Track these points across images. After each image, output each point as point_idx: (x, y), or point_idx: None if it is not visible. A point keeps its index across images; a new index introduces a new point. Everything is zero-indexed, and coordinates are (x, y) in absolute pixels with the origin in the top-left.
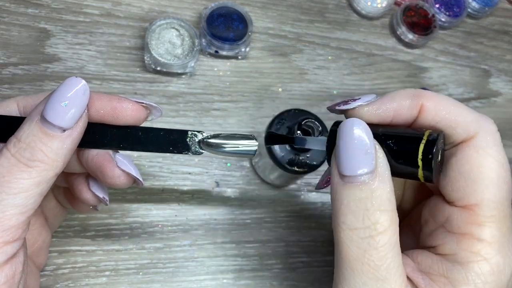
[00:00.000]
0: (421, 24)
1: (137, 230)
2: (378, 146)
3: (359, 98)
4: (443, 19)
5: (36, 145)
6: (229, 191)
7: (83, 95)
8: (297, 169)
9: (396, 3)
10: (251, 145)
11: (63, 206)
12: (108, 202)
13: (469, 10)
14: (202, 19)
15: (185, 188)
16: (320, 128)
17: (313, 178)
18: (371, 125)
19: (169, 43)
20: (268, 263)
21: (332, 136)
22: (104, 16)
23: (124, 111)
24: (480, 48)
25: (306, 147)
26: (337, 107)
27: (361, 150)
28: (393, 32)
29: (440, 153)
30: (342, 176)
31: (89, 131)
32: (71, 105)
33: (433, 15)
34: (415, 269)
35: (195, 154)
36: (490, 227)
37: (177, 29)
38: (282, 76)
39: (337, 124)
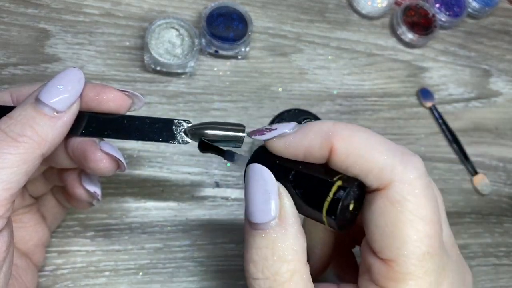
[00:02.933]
0: (421, 24)
1: (137, 230)
2: (284, 192)
3: (275, 129)
4: (443, 19)
5: (27, 122)
6: (229, 191)
7: (78, 82)
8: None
9: (396, 3)
10: (237, 136)
11: (62, 205)
12: (100, 197)
13: (469, 10)
14: (202, 19)
15: (185, 188)
16: None
17: None
18: (286, 160)
19: (169, 43)
20: None
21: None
22: (103, 16)
23: (108, 99)
24: (480, 48)
25: (235, 163)
26: (252, 136)
27: (262, 199)
28: (393, 32)
29: (352, 203)
30: (250, 222)
31: (76, 120)
32: (66, 89)
33: (433, 15)
34: None
35: (181, 143)
36: (406, 284)
37: (177, 29)
38: (282, 76)
39: (259, 152)
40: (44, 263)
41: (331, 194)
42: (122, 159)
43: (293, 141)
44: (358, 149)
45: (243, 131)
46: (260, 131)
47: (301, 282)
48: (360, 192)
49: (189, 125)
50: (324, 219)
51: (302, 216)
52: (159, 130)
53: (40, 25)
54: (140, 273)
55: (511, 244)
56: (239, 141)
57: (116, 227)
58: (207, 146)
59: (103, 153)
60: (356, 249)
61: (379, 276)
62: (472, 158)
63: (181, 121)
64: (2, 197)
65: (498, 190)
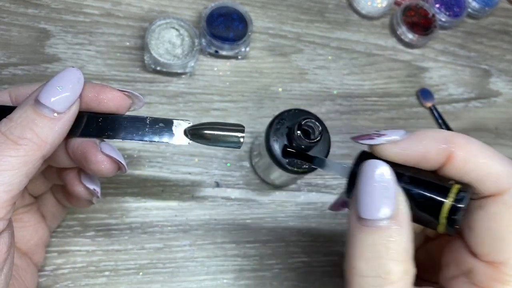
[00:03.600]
0: (421, 24)
1: (137, 230)
2: (401, 192)
3: (385, 134)
4: (443, 19)
5: (27, 124)
6: (229, 191)
7: (78, 83)
8: (297, 169)
9: (396, 3)
10: (237, 136)
11: (62, 205)
12: (99, 195)
13: (469, 10)
14: (202, 19)
15: (185, 188)
16: (320, 128)
17: (313, 178)
18: (395, 165)
19: (169, 43)
20: (268, 263)
21: (356, 169)
22: (104, 16)
23: (108, 99)
24: (480, 48)
25: (325, 170)
26: (360, 141)
27: (382, 195)
28: (393, 32)
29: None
30: (360, 218)
31: (76, 120)
32: (65, 90)
33: (433, 15)
34: None
35: (181, 143)
36: None
37: (177, 29)
38: (282, 76)
39: (363, 156)
40: (44, 263)
41: (452, 196)
42: (123, 161)
43: (408, 147)
44: (476, 156)
45: (242, 131)
46: (367, 136)
47: (409, 284)
48: (469, 202)
49: (189, 125)
50: (443, 221)
51: None
52: (159, 130)
53: (41, 25)
54: (140, 273)
55: None
56: (238, 141)
57: (116, 227)
58: (291, 153)
59: (104, 155)
60: None
61: (484, 278)
62: None
63: (181, 121)
64: (3, 199)
65: None
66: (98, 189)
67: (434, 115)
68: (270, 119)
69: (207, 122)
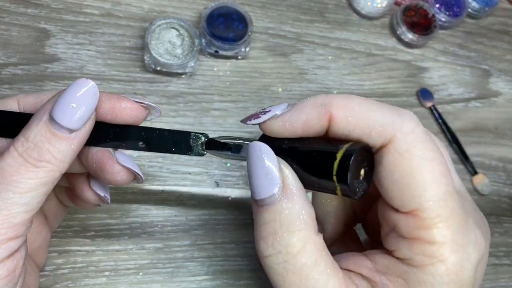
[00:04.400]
0: (421, 24)
1: (137, 230)
2: (284, 165)
3: (269, 110)
4: (443, 19)
5: (44, 146)
6: (229, 191)
7: (92, 97)
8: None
9: (396, 3)
10: None
11: (63, 205)
12: (109, 201)
13: (469, 10)
14: (202, 19)
15: (185, 188)
16: None
17: None
18: (289, 139)
19: (169, 43)
20: None
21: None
22: (104, 16)
23: (123, 110)
24: (480, 48)
25: (242, 154)
26: (247, 122)
27: (262, 173)
28: (393, 32)
29: (362, 167)
30: (254, 200)
31: (92, 130)
32: (80, 106)
33: (433, 15)
34: (373, 269)
35: (198, 155)
36: (437, 227)
37: (177, 29)
38: (282, 76)
39: (261, 139)
40: (44, 263)
41: (338, 158)
42: (139, 171)
43: (290, 118)
44: (357, 112)
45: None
46: (254, 116)
47: (315, 251)
48: (369, 156)
49: (207, 138)
50: (337, 186)
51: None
52: (176, 142)
53: (40, 25)
54: (140, 273)
55: (511, 244)
56: None
57: (116, 227)
58: (213, 145)
59: (121, 166)
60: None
61: (408, 229)
62: (472, 158)
63: (199, 135)
64: (24, 219)
65: (498, 190)
66: (108, 196)
67: (434, 115)
68: None
69: (223, 136)
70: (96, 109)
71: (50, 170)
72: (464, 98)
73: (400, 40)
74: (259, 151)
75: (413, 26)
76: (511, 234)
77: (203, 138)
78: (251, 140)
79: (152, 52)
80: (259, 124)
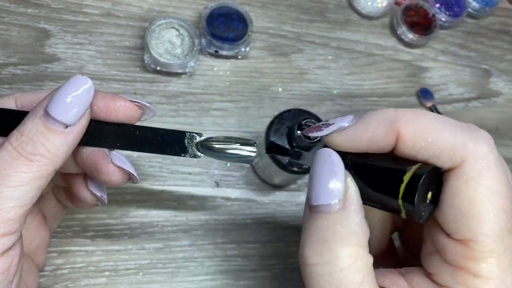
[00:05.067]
0: (422, 23)
1: (137, 230)
2: (350, 178)
3: (333, 123)
4: (443, 19)
5: (38, 139)
6: (229, 191)
7: (88, 93)
8: (296, 169)
9: (396, 3)
10: (250, 151)
11: (62, 205)
12: (106, 201)
13: (469, 10)
14: (202, 19)
15: (185, 188)
16: None
17: None
18: (352, 154)
19: (169, 43)
20: (268, 264)
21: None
22: (103, 16)
23: (118, 109)
24: (480, 48)
25: (301, 162)
26: (310, 134)
27: (327, 181)
28: (393, 32)
29: (430, 190)
30: (310, 206)
31: (87, 129)
32: (76, 102)
33: (434, 15)
34: None
35: (193, 157)
36: (487, 262)
37: (177, 29)
38: (282, 76)
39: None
40: (44, 263)
41: (405, 181)
42: (134, 172)
43: (354, 133)
44: (426, 132)
45: (254, 145)
46: (317, 128)
47: (364, 270)
48: (437, 178)
49: (201, 138)
50: (402, 209)
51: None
52: (171, 143)
53: (40, 25)
54: (140, 273)
55: None
56: (249, 157)
57: (116, 227)
58: (273, 149)
59: (115, 166)
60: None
61: (456, 257)
62: None
63: (194, 134)
64: (17, 214)
65: None
66: (105, 196)
67: None
68: (270, 119)
69: (219, 136)
70: (91, 107)
71: (44, 164)
72: (464, 98)
73: (400, 40)
74: (329, 158)
75: (413, 26)
76: None
77: (198, 139)
78: (245, 141)
79: (152, 52)
80: (323, 137)
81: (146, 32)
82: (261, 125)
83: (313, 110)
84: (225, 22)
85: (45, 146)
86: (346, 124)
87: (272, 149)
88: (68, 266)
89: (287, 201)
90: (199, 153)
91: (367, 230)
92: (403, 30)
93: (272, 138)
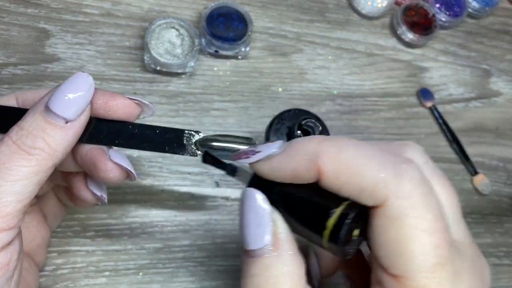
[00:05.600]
0: (422, 23)
1: (137, 230)
2: (277, 217)
3: (260, 151)
4: (443, 19)
5: (38, 133)
6: (229, 191)
7: (89, 89)
8: None
9: (396, 3)
10: None
11: (63, 204)
12: (106, 200)
13: (469, 10)
14: (202, 19)
15: (185, 188)
16: (320, 128)
17: None
18: (282, 184)
19: (169, 42)
20: None
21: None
22: (103, 16)
23: (117, 107)
24: (480, 48)
25: (237, 179)
26: (237, 160)
27: (254, 223)
28: (394, 32)
29: (356, 227)
30: (245, 250)
31: (86, 127)
32: (76, 97)
33: (434, 15)
34: None
35: (191, 155)
36: None
37: (177, 29)
38: (282, 76)
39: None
40: (45, 263)
41: (330, 224)
42: (132, 169)
43: (279, 164)
44: (347, 168)
45: (253, 144)
46: (245, 153)
47: None
48: (364, 217)
49: (200, 136)
50: (328, 246)
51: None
52: (170, 141)
53: (40, 25)
54: (140, 273)
55: (511, 244)
56: None
57: (116, 227)
58: (209, 159)
59: (113, 163)
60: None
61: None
62: (472, 158)
63: (192, 132)
64: (15, 209)
65: (499, 190)
66: (105, 195)
67: (434, 115)
68: (270, 119)
69: (217, 134)
70: (91, 104)
71: (43, 159)
72: (464, 98)
73: (400, 40)
74: (253, 199)
75: (413, 26)
76: None
77: (196, 137)
78: (244, 139)
79: (152, 52)
80: (249, 164)
81: (146, 32)
82: (261, 125)
83: (313, 110)
84: (225, 22)
85: (45, 140)
86: (272, 151)
87: (207, 159)
88: (68, 266)
89: None
90: (197, 151)
91: (301, 265)
92: (403, 30)
93: (272, 138)
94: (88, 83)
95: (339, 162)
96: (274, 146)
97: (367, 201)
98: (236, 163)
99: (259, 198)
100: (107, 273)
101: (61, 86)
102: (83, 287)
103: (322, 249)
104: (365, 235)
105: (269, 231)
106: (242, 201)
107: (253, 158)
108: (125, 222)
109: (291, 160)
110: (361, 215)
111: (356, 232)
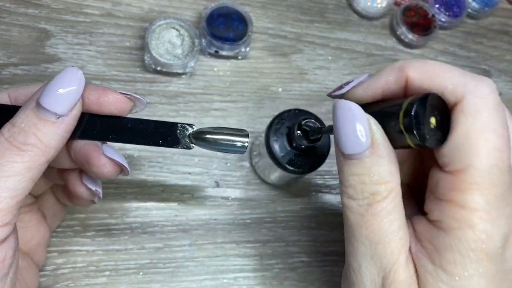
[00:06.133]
0: (421, 24)
1: (137, 230)
2: (373, 122)
3: (352, 81)
4: (443, 19)
5: (30, 130)
6: (229, 191)
7: (79, 83)
8: (296, 169)
9: (396, 3)
10: (242, 142)
11: (62, 204)
12: (101, 195)
13: (469, 10)
14: (202, 19)
15: (185, 188)
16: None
17: (313, 178)
18: (369, 104)
19: (169, 43)
20: (268, 263)
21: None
22: (104, 16)
23: (109, 102)
24: (480, 48)
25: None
26: (333, 94)
27: (352, 130)
28: (393, 32)
29: (433, 115)
30: (344, 154)
31: (79, 122)
32: (66, 92)
33: (433, 15)
34: (412, 235)
35: (185, 148)
36: (472, 194)
37: (177, 29)
38: (282, 76)
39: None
40: (45, 263)
41: (403, 108)
42: (125, 163)
43: (370, 84)
44: (432, 73)
45: (246, 136)
46: (338, 88)
47: (397, 198)
48: (440, 105)
49: (194, 129)
50: (406, 136)
51: None
52: (163, 134)
53: (41, 25)
54: (141, 273)
55: None
56: (242, 147)
57: (117, 227)
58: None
59: (107, 158)
60: None
61: (446, 190)
62: None
63: (186, 125)
64: (9, 205)
65: None
66: (99, 190)
67: None
68: (270, 119)
69: (211, 127)
70: (82, 99)
71: (36, 155)
72: None
73: (400, 40)
74: (348, 109)
75: (413, 26)
76: None
77: (190, 130)
78: (238, 132)
79: (152, 52)
80: (343, 94)
81: (147, 33)
82: (261, 125)
83: (313, 110)
84: (225, 23)
85: (36, 136)
86: (364, 78)
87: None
88: (68, 265)
89: (287, 201)
90: (191, 144)
91: (397, 164)
92: (402, 30)
93: (272, 138)
94: (78, 77)
95: (424, 69)
96: (363, 76)
97: (448, 99)
98: (333, 97)
99: (354, 106)
100: (107, 272)
101: (52, 82)
102: (83, 286)
103: (408, 147)
104: (448, 128)
105: (368, 135)
106: (336, 112)
107: (346, 88)
108: (126, 222)
109: (382, 77)
110: (436, 104)
111: (433, 120)
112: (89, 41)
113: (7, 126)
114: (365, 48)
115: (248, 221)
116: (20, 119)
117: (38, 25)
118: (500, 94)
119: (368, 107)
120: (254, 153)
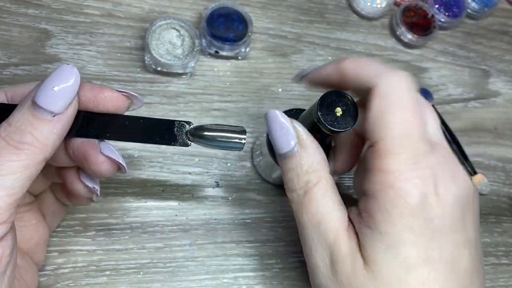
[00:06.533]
0: (421, 24)
1: (138, 229)
2: (296, 123)
3: (308, 69)
4: (442, 20)
5: (26, 128)
6: (229, 191)
7: (74, 81)
8: None
9: (395, 4)
10: (239, 138)
11: (61, 203)
12: (99, 193)
13: (468, 10)
14: (202, 20)
15: (185, 188)
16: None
17: None
18: (302, 110)
19: (170, 43)
20: (268, 263)
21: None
22: (104, 17)
23: (106, 99)
24: (479, 48)
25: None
26: (302, 75)
27: (280, 131)
28: (393, 32)
29: (338, 106)
30: (279, 155)
31: (76, 120)
32: (62, 90)
33: (433, 16)
34: (356, 214)
35: (182, 145)
36: (387, 158)
37: (177, 30)
38: (282, 76)
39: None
40: (45, 263)
41: (315, 106)
42: (122, 162)
43: (319, 73)
44: (359, 66)
45: (244, 133)
46: (302, 72)
47: (326, 185)
48: (344, 98)
49: (191, 127)
50: (323, 129)
51: None
52: (160, 132)
53: (41, 25)
54: (141, 273)
55: (510, 243)
56: (240, 143)
57: (117, 227)
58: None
59: (104, 156)
60: None
61: (369, 159)
62: (471, 158)
63: (183, 123)
64: (6, 203)
65: (497, 190)
66: (97, 187)
67: None
68: None
69: (209, 124)
70: (79, 97)
71: (32, 153)
72: (463, 98)
73: (399, 40)
74: (275, 116)
75: (412, 27)
76: (510, 234)
77: (187, 127)
78: (235, 129)
79: (153, 53)
80: (306, 76)
81: (147, 33)
82: (261, 125)
83: None
84: (225, 23)
85: (33, 134)
86: (314, 69)
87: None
88: (69, 265)
89: (287, 201)
90: (188, 142)
91: (323, 156)
92: (402, 30)
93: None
94: (73, 74)
95: (356, 64)
96: (314, 67)
97: (365, 85)
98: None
99: (279, 113)
100: (107, 272)
101: (46, 79)
102: (84, 286)
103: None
104: (354, 116)
105: (293, 133)
106: (268, 121)
107: (303, 73)
108: (126, 221)
109: (326, 69)
110: (337, 96)
111: (338, 110)
112: (90, 41)
113: (3, 125)
114: (365, 48)
115: (248, 221)
116: (16, 118)
117: (39, 25)
118: (499, 94)
119: (301, 112)
120: (256, 152)
